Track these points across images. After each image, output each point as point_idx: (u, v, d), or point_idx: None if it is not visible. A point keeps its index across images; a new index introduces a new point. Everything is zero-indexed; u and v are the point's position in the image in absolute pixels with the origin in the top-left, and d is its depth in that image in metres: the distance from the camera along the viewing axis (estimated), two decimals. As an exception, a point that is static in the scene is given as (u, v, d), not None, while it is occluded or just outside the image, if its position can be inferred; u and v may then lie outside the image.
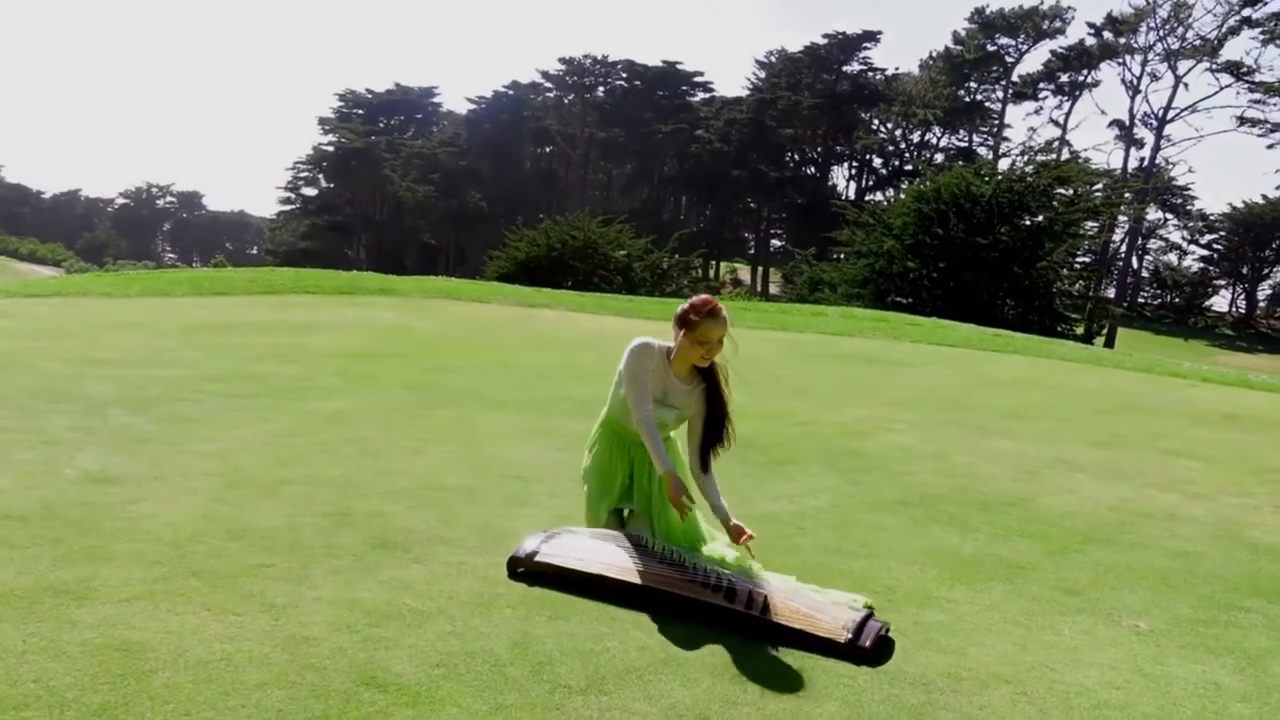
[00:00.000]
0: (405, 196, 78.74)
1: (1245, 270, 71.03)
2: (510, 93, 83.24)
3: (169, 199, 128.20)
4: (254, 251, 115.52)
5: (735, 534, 3.76)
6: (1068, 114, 68.68)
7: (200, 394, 6.78)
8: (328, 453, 5.43)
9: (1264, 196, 68.24)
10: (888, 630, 3.39)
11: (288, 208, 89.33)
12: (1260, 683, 3.30)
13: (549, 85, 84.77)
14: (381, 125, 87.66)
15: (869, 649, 3.22)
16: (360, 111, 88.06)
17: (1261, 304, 72.25)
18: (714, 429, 3.97)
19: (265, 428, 5.93)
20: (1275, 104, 50.19)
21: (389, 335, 11.03)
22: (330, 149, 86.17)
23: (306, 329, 11.00)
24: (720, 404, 3.96)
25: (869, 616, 3.38)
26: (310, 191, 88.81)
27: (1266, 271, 71.40)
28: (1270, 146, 51.04)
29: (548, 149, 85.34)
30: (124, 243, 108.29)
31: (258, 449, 5.39)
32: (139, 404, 6.31)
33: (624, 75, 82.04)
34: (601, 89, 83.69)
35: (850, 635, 3.25)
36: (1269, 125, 49.33)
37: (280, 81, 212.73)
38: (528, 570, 3.70)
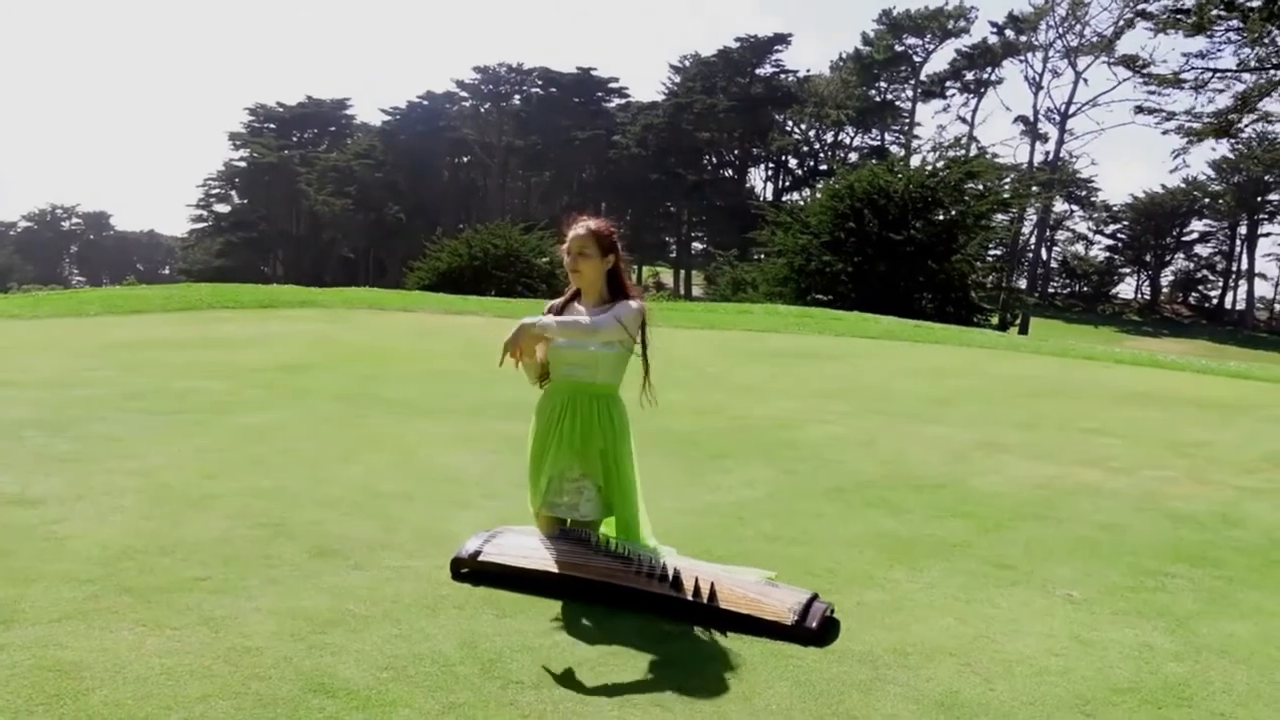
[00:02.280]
0: (321, 210, 77.56)
1: (1148, 258, 73.50)
2: (425, 103, 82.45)
3: (74, 220, 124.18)
4: (166, 271, 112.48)
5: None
6: (974, 111, 70.66)
7: (122, 412, 6.59)
8: (258, 465, 5.32)
9: (1163, 186, 70.86)
10: (832, 611, 3.43)
11: (200, 225, 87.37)
12: (1190, 643, 3.41)
13: (464, 94, 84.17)
14: (294, 139, 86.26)
15: (815, 630, 3.26)
16: (272, 125, 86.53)
17: (1165, 290, 74.81)
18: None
19: (192, 443, 5.79)
20: (1169, 94, 52.00)
21: (315, 347, 10.85)
22: (242, 164, 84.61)
23: (229, 344, 10.76)
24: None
25: (814, 598, 3.41)
26: (223, 208, 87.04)
27: (1168, 258, 73.98)
28: (1165, 133, 52.83)
29: (465, 159, 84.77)
30: (30, 267, 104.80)
31: (185, 464, 5.26)
32: (57, 425, 6.11)
33: (540, 83, 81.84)
34: (518, 97, 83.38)
35: (796, 617, 3.29)
36: (1164, 114, 51.06)
37: (187, 96, 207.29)
38: (471, 570, 3.67)
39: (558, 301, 3.94)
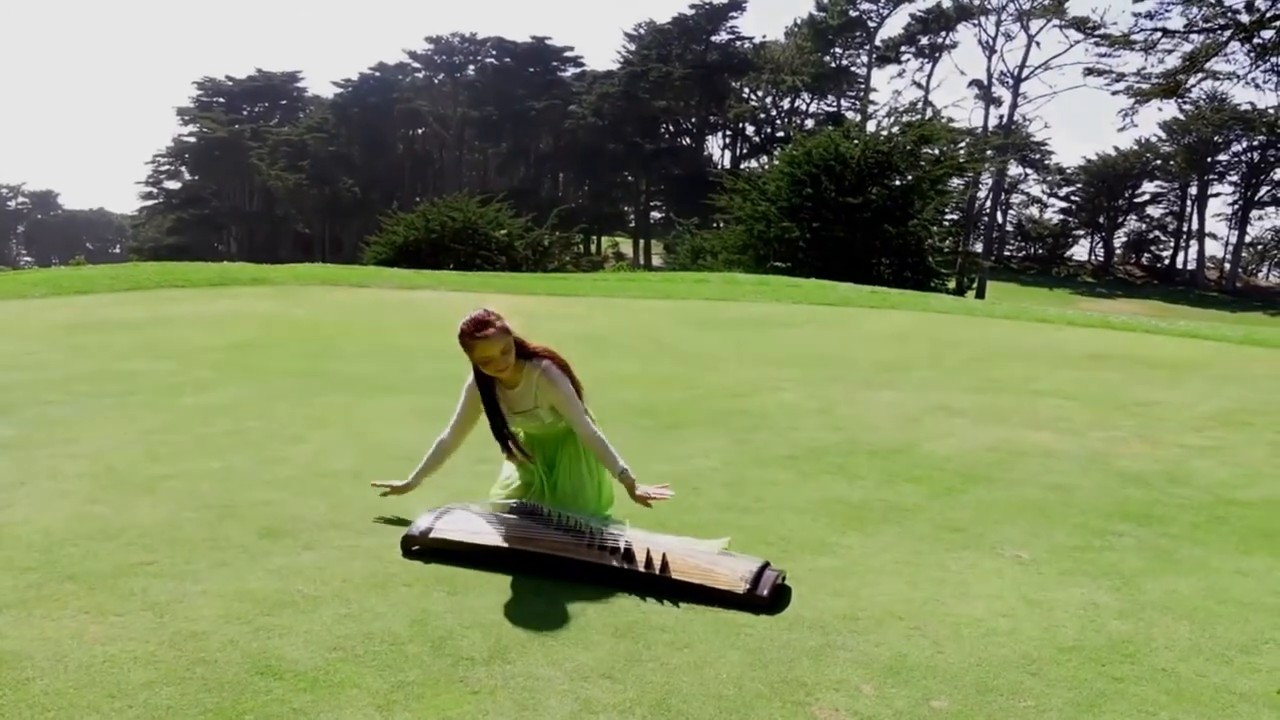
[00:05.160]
0: (275, 186, 76.44)
1: (1101, 220, 74.37)
2: (377, 74, 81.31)
3: (20, 199, 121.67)
4: (117, 250, 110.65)
5: (641, 500, 3.74)
6: (929, 76, 71.09)
7: (67, 395, 6.46)
8: (207, 446, 5.24)
9: (1115, 148, 71.62)
10: (784, 579, 3.45)
11: (150, 203, 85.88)
12: (1135, 600, 3.47)
13: (417, 65, 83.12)
14: (245, 113, 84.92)
15: (767, 598, 3.28)
16: (221, 100, 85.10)
17: (1118, 251, 75.79)
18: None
19: (139, 425, 5.70)
20: (1120, 56, 52.55)
21: (266, 325, 10.71)
22: (192, 140, 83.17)
23: (178, 323, 10.60)
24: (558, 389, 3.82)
25: (765, 566, 3.43)
26: (173, 185, 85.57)
27: (1121, 220, 74.89)
28: (1115, 94, 53.22)
29: (420, 131, 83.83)
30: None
31: (132, 447, 5.18)
32: (-1, 410, 5.98)
33: (494, 53, 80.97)
34: (472, 68, 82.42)
35: (748, 586, 3.30)
36: (1114, 76, 51.56)
37: (133, 71, 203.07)
38: (423, 548, 3.64)
39: (472, 385, 3.92)
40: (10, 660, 2.72)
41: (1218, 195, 71.78)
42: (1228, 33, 38.24)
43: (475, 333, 3.66)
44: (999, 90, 67.69)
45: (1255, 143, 66.42)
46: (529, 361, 3.80)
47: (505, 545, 3.57)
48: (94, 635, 2.89)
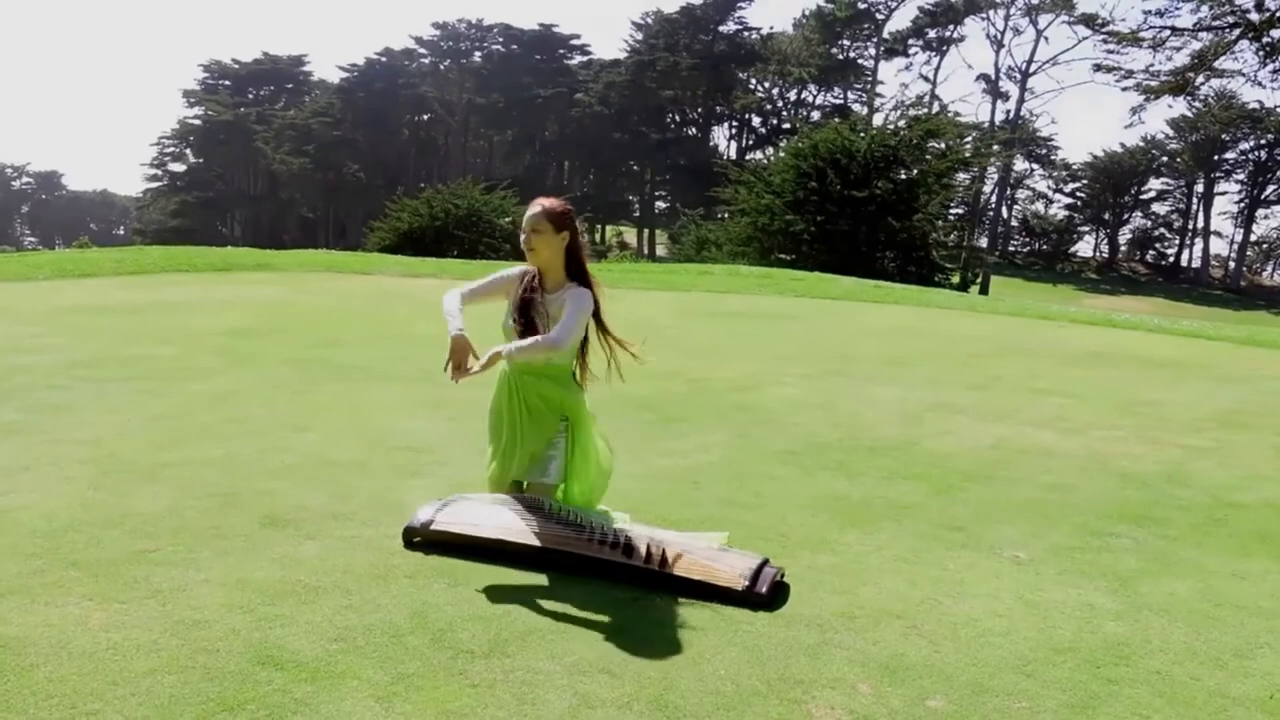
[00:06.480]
0: (279, 169, 76.41)
1: (1107, 216, 74.22)
2: (383, 60, 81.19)
3: (25, 180, 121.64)
4: (120, 232, 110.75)
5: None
6: (936, 69, 70.75)
7: (70, 380, 6.49)
8: (210, 434, 5.26)
9: (1122, 145, 71.44)
10: (783, 576, 3.47)
11: (155, 185, 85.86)
12: (1131, 602, 3.49)
13: (423, 51, 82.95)
14: (250, 96, 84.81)
15: (765, 595, 3.29)
16: (227, 83, 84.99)
17: (1122, 248, 75.70)
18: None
19: (142, 411, 5.72)
20: (1128, 53, 52.38)
21: (270, 312, 10.72)
22: (197, 122, 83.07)
23: (181, 309, 10.61)
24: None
25: (764, 563, 3.44)
26: (178, 167, 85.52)
27: (1126, 217, 74.76)
28: (1125, 90, 52.93)
29: (425, 117, 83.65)
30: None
31: (135, 433, 5.20)
32: (1, 394, 6.00)
33: (500, 40, 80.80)
34: (478, 54, 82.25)
35: (747, 583, 3.32)
36: (1123, 72, 51.43)
37: (139, 52, 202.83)
38: (424, 539, 3.66)
39: (515, 273, 3.91)
40: (14, 647, 2.74)
41: (1224, 193, 72.01)
42: (1236, 31, 38.08)
43: (531, 204, 3.84)
44: (1006, 85, 67.64)
45: (1263, 141, 66.28)
46: (573, 280, 3.83)
47: (506, 538, 3.58)
48: (97, 622, 2.91)
